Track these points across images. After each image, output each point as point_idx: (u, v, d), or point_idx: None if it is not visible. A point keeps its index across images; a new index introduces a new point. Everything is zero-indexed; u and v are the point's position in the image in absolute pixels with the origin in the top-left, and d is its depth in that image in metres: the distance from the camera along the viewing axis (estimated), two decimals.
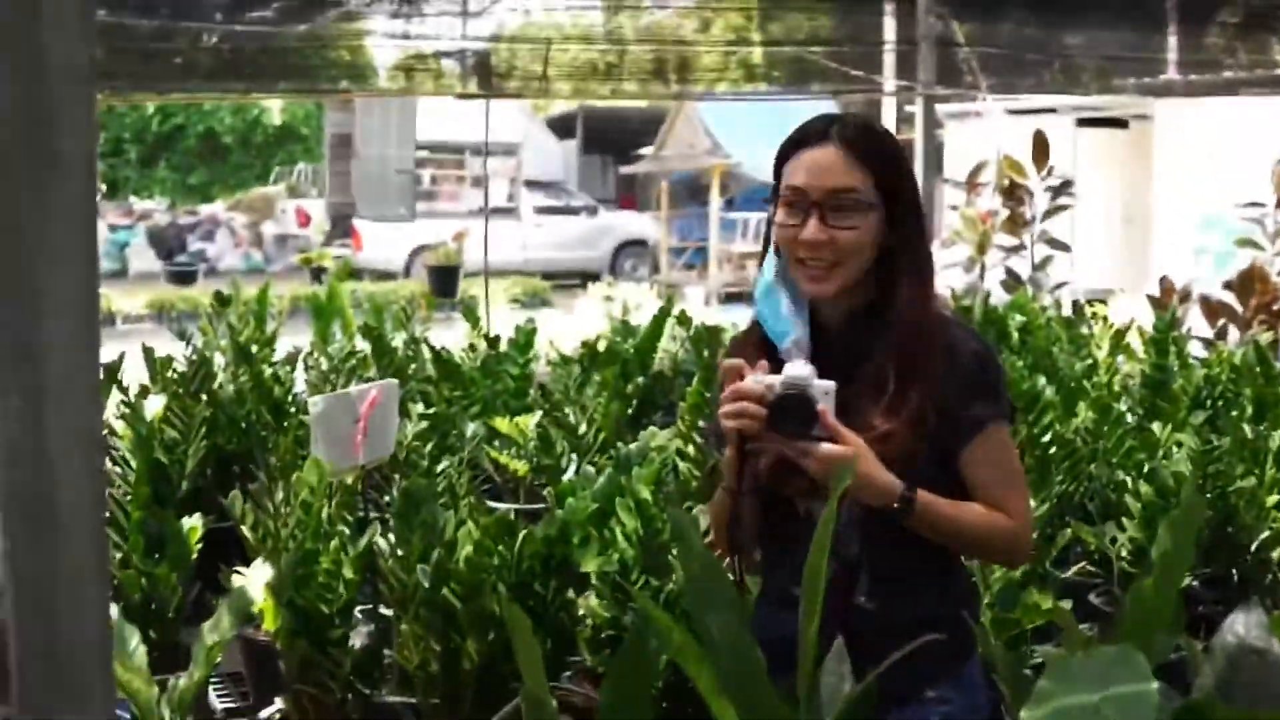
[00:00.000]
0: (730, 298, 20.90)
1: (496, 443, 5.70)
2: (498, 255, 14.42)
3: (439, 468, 4.59)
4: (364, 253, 24.64)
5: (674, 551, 3.67)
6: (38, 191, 1.72)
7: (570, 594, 3.88)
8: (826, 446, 2.45)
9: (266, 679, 4.68)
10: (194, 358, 6.40)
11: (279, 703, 4.04)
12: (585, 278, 22.02)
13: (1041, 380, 5.37)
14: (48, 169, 1.70)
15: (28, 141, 1.69)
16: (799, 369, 2.49)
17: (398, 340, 7.12)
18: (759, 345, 2.67)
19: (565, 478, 4.68)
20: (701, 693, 2.17)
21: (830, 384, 2.48)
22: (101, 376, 6.00)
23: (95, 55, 1.68)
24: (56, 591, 1.78)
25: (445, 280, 15.03)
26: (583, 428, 5.55)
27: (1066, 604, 3.76)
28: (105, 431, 5.64)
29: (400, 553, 3.70)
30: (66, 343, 1.76)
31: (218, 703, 4.98)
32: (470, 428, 5.55)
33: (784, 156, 2.64)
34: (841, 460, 2.41)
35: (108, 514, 4.56)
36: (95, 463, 1.77)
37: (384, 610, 4.09)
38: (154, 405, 5.48)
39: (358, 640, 3.95)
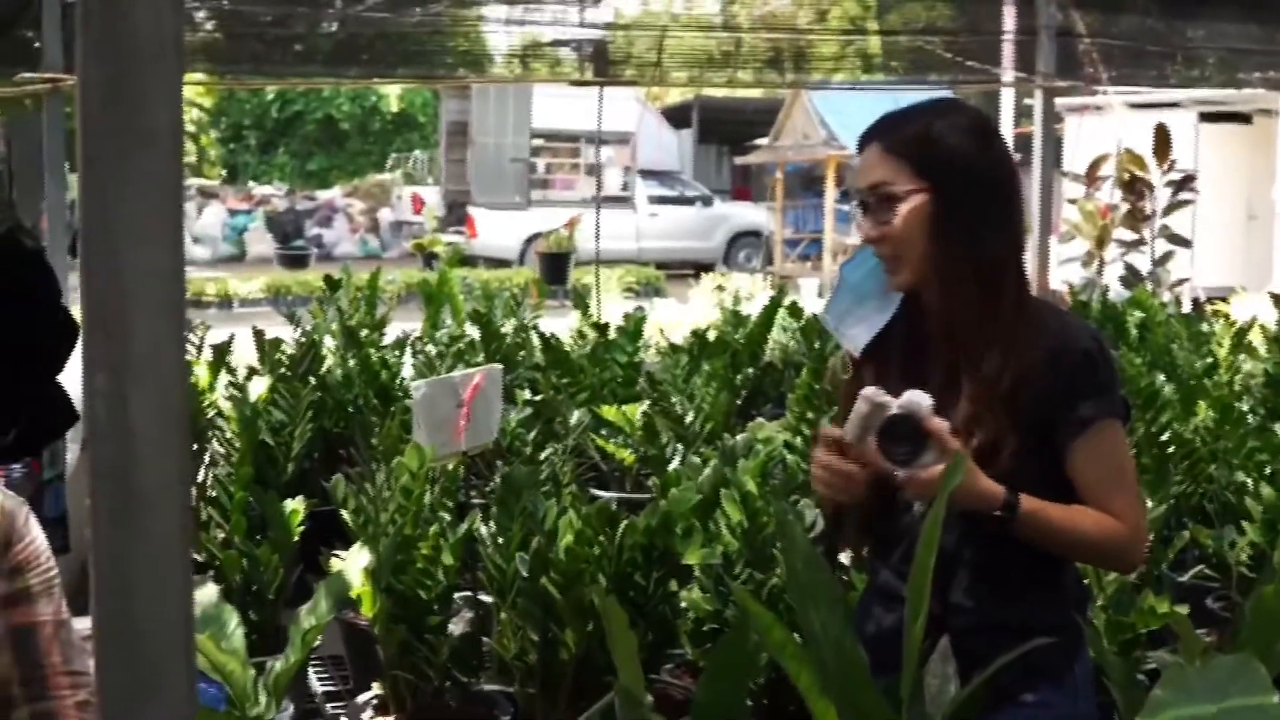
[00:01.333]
0: None
1: (603, 431, 5.65)
2: (611, 244, 14.41)
3: (543, 455, 4.55)
4: (478, 240, 24.74)
5: (778, 545, 3.61)
6: (124, 166, 1.67)
7: (672, 585, 3.82)
8: (930, 471, 2.39)
9: (366, 663, 4.67)
10: (303, 341, 6.42)
11: (377, 687, 4.02)
12: (699, 268, 21.95)
13: (1160, 378, 5.23)
14: (134, 144, 1.65)
15: (114, 116, 1.65)
16: (916, 397, 2.42)
17: (507, 327, 7.09)
18: (872, 357, 2.64)
19: (670, 468, 4.61)
20: (802, 691, 2.11)
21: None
22: (211, 357, 6.05)
23: (183, 28, 1.64)
24: (138, 571, 1.74)
25: (557, 268, 15.00)
26: (690, 417, 5.49)
27: (1183, 609, 3.64)
28: (214, 413, 5.67)
29: (500, 541, 3.65)
30: (152, 319, 1.71)
31: (318, 685, 4.99)
32: (576, 415, 5.50)
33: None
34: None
35: (212, 494, 4.58)
36: (181, 440, 1.72)
37: (483, 598, 4.06)
38: (259, 387, 5.49)
39: (456, 627, 3.92)
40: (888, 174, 2.53)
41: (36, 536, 2.08)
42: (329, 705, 4.84)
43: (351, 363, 6.22)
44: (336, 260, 21.89)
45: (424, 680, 3.80)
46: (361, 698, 4.04)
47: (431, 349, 6.51)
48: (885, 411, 2.39)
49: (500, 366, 4.52)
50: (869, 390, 2.44)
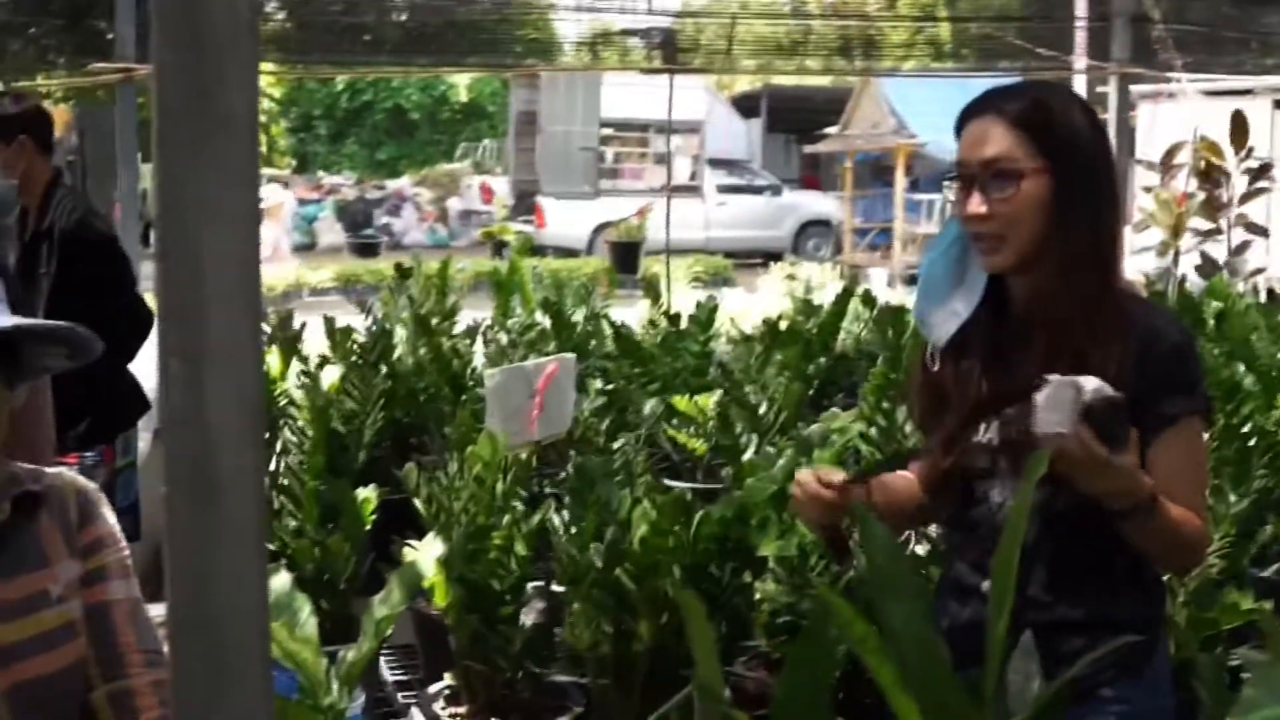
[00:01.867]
0: (914, 280, 20.58)
1: (675, 421, 5.61)
2: (680, 233, 14.37)
3: (615, 445, 4.51)
4: (547, 229, 24.77)
5: (854, 537, 3.56)
6: (201, 151, 1.65)
7: (746, 577, 3.77)
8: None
9: (438, 653, 4.66)
10: (374, 330, 6.43)
11: (449, 678, 4.00)
12: (768, 257, 21.88)
13: (1240, 368, 5.13)
14: (210, 128, 1.63)
15: (191, 100, 1.63)
16: (1095, 381, 2.34)
17: (578, 316, 7.07)
18: (955, 347, 2.60)
19: (744, 458, 4.57)
20: (882, 686, 2.07)
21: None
22: (283, 346, 6.04)
23: (259, 12, 1.61)
24: (214, 559, 1.72)
25: (627, 256, 15.01)
26: (763, 408, 5.43)
27: (1267, 604, 3.57)
28: (286, 402, 5.67)
29: (574, 531, 3.62)
30: (228, 305, 1.69)
31: (389, 675, 4.98)
32: (648, 405, 5.46)
33: (956, 132, 2.58)
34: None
35: (284, 483, 4.57)
36: (256, 427, 1.70)
37: (556, 588, 4.03)
38: (331, 376, 5.49)
39: (528, 618, 3.90)
40: (1006, 149, 2.46)
41: (109, 517, 2.09)
42: (400, 695, 4.83)
43: (422, 351, 6.20)
44: (405, 249, 21.97)
45: (496, 671, 3.77)
46: (433, 688, 4.03)
47: (503, 337, 6.49)
48: (1082, 396, 2.31)
49: (573, 355, 4.50)
50: (1058, 377, 2.36)
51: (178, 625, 1.76)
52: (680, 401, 5.56)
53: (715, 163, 27.48)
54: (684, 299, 9.26)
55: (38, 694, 1.93)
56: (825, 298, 7.94)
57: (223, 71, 1.64)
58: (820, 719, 2.04)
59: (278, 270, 18.67)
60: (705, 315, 6.53)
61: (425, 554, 3.51)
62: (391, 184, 30.29)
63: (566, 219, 24.89)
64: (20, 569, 1.96)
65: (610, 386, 5.30)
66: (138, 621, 2.08)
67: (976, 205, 2.48)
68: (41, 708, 1.93)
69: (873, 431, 4.70)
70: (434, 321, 6.56)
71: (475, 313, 7.59)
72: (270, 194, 23.87)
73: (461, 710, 3.87)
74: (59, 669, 1.96)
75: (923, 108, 23.26)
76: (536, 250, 21.58)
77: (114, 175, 7.18)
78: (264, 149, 33.04)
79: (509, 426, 3.83)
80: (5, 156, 5.29)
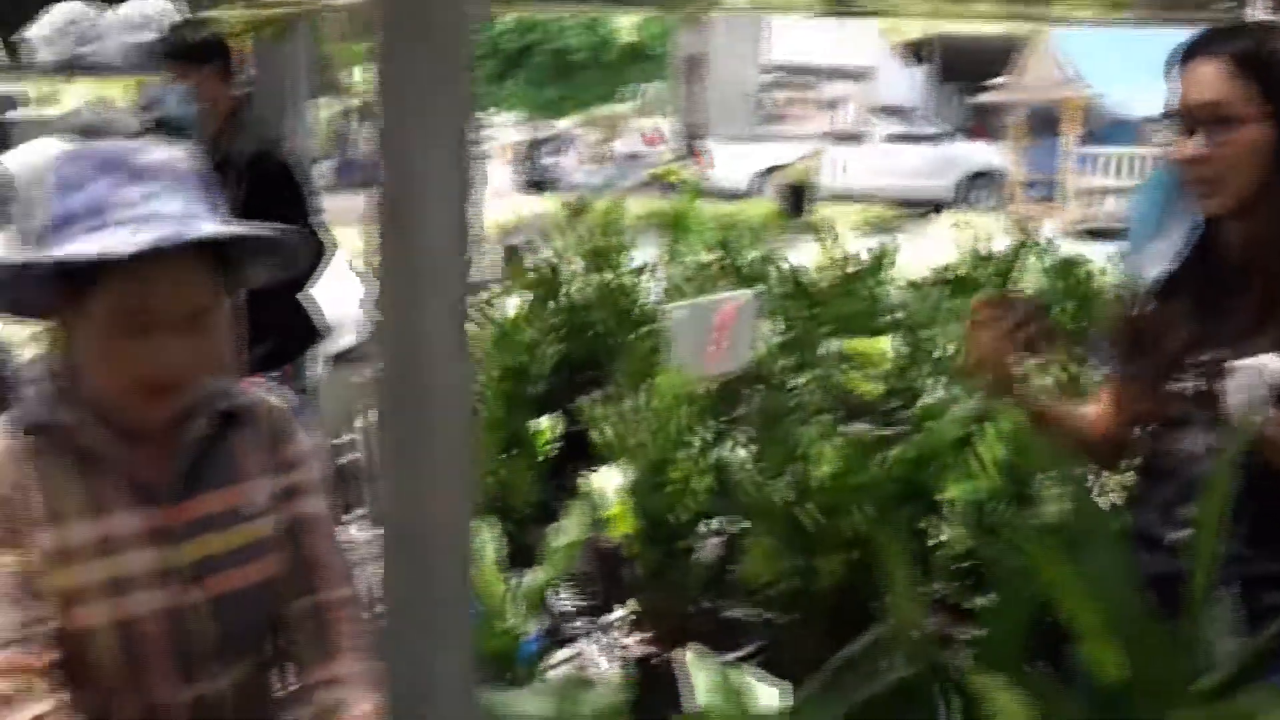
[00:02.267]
0: (1083, 233, 20.19)
1: (847, 364, 5.54)
2: (845, 180, 14.26)
3: (793, 384, 4.47)
4: (710, 172, 24.71)
5: (1038, 482, 3.50)
6: (415, 66, 1.65)
7: (926, 521, 3.73)
8: None
9: (613, 584, 4.68)
10: (546, 265, 6.44)
11: (626, 608, 4.01)
12: (933, 206, 21.60)
13: None
14: (425, 43, 1.63)
15: (404, 15, 1.62)
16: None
17: (749, 257, 7.01)
18: (1162, 294, 2.53)
19: (922, 402, 4.50)
20: (1080, 633, 2.02)
21: None
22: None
23: None
24: (424, 475, 1.72)
25: (796, 200, 14.86)
26: (938, 352, 5.35)
27: None
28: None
29: (758, 465, 3.60)
30: (442, 219, 1.69)
31: (564, 604, 5.01)
32: (826, 346, 5.40)
33: (1171, 73, 2.50)
34: None
35: None
36: (466, 344, 1.70)
37: (732, 525, 4.01)
38: (510, 306, 5.52)
39: (706, 552, 3.89)
40: (1227, 92, 2.37)
41: (303, 435, 2.11)
42: (574, 623, 4.86)
43: (594, 287, 6.21)
44: (570, 191, 22.02)
45: (675, 603, 3.77)
46: (609, 617, 4.04)
47: (674, 276, 6.46)
48: (1270, 377, 2.24)
49: (754, 293, 4.45)
50: (1246, 360, 2.29)
51: (387, 538, 1.77)
52: (856, 344, 5.49)
53: (883, 110, 27.17)
54: (851, 246, 9.15)
55: (237, 606, 1.96)
56: (994, 248, 7.77)
57: None
58: (1018, 663, 2.00)
59: (504, 205, 18.69)
60: (878, 259, 6.45)
61: (607, 484, 3.52)
62: (556, 125, 30.38)
63: (730, 162, 24.79)
64: (221, 484, 1.98)
65: (787, 326, 5.23)
66: (330, 538, 2.10)
67: (1195, 148, 2.40)
68: (240, 619, 1.97)
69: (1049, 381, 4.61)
70: (605, 259, 6.55)
71: (641, 254, 7.56)
72: (501, 134, 23.94)
73: (638, 638, 3.87)
74: (256, 582, 1.99)
75: (1097, 59, 22.78)
76: (699, 193, 21.54)
77: (287, 110, 7.26)
78: None
79: (690, 361, 3.81)
80: (195, 81, 5.38)
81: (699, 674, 2.96)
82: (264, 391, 2.14)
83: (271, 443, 2.06)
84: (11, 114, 9.14)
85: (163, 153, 1.89)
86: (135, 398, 1.87)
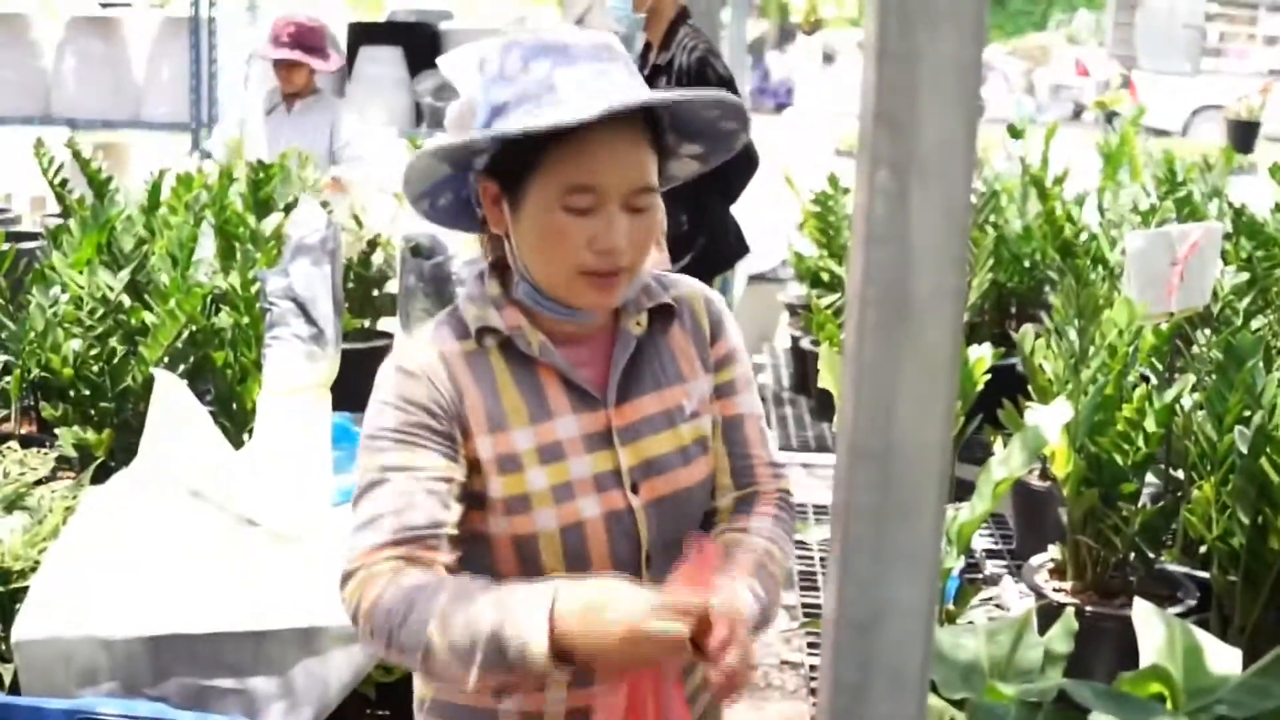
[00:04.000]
0: None
1: None
2: None
3: (1255, 326, 4.17)
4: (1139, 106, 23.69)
5: None
6: None
7: None
8: None
9: (1035, 526, 4.50)
10: (982, 191, 6.24)
11: (1053, 550, 3.83)
12: None
13: None
14: None
15: None
16: None
17: (1195, 193, 6.62)
18: None
19: None
20: None
21: None
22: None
23: None
24: (903, 384, 1.62)
25: (1245, 136, 13.99)
26: None
27: None
28: None
29: (1215, 411, 3.35)
30: (944, 112, 1.57)
31: (982, 543, 4.87)
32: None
33: None
34: None
35: None
36: (961, 245, 1.58)
37: (1176, 472, 3.78)
38: None
39: (1146, 499, 3.68)
40: None
41: (736, 329, 2.05)
42: (991, 563, 4.71)
43: (1032, 215, 5.98)
44: (989, 123, 21.49)
45: (1109, 549, 3.57)
46: (1035, 559, 3.87)
47: (1125, 203, 6.15)
48: None
49: (1221, 225, 4.15)
50: None
51: (854, 452, 1.66)
52: None
53: None
54: None
55: (674, 509, 1.91)
56: None
57: None
58: None
59: None
60: None
61: (1050, 419, 3.34)
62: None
63: (1161, 97, 23.66)
64: (658, 385, 1.93)
65: (1240, 267, 4.89)
66: (764, 434, 2.04)
67: None
68: (675, 524, 1.90)
69: None
70: (1041, 188, 6.30)
71: (1079, 184, 7.26)
72: None
73: (1065, 585, 3.69)
74: (695, 482, 1.93)
75: None
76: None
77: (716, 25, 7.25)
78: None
79: (1147, 294, 3.57)
80: None
81: (1148, 629, 2.79)
82: (700, 282, 2.06)
83: (707, 337, 2.00)
84: (445, 25, 9.43)
85: (596, 36, 1.86)
86: (582, 284, 1.83)
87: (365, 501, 1.81)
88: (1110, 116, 12.70)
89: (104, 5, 11.21)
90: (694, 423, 1.95)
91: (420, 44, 8.77)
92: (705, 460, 1.96)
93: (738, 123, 1.90)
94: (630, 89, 1.80)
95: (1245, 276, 4.52)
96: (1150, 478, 3.77)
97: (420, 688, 2.01)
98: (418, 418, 1.82)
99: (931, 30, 1.53)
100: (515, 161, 1.80)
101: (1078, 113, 25.28)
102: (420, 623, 1.69)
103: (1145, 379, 3.74)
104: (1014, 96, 27.43)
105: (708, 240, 5.37)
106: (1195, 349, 4.01)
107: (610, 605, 1.63)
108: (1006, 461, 3.28)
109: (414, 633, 1.70)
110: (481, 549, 1.86)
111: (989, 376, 4.26)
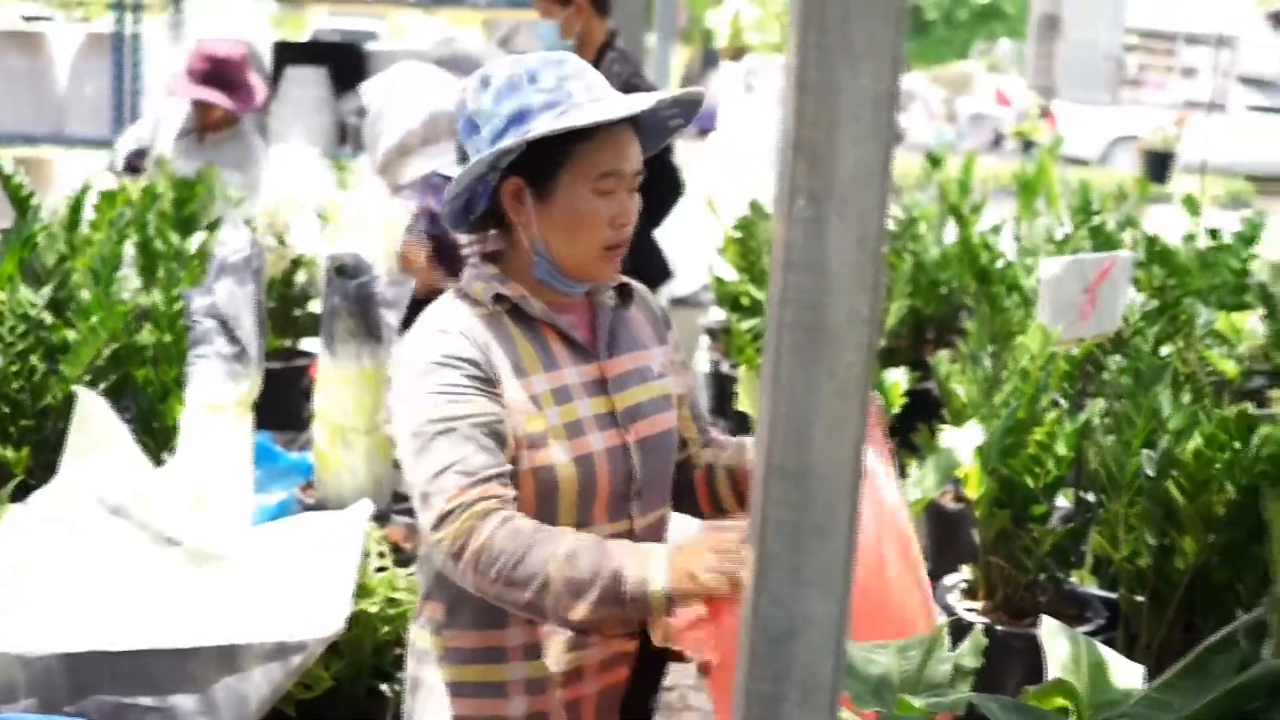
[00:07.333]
0: None
1: (1206, 340, 5.28)
2: (1203, 152, 13.64)
3: (1163, 351, 4.27)
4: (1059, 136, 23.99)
5: None
6: None
7: None
8: None
9: (948, 546, 4.57)
10: (900, 219, 6.33)
11: (965, 570, 3.91)
12: None
13: None
14: None
15: None
16: None
17: (1109, 222, 6.74)
18: None
19: None
20: None
21: None
22: None
23: None
24: (817, 407, 1.67)
25: (1160, 167, 14.24)
26: None
27: None
28: None
29: (1123, 435, 3.43)
30: (860, 144, 1.62)
31: None
32: (1203, 316, 5.13)
33: None
34: None
35: None
36: (875, 274, 1.63)
37: (1086, 495, 3.86)
38: None
39: (1056, 521, 3.75)
40: None
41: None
42: None
43: (948, 242, 6.08)
44: (909, 149, 21.69)
45: (1019, 570, 3.65)
46: (948, 579, 3.94)
47: (1033, 235, 6.26)
48: None
49: (1132, 254, 4.26)
50: None
51: (769, 470, 1.72)
52: (1221, 319, 5.22)
53: (1246, 80, 25.91)
54: (1211, 219, 8.71)
55: (656, 448, 2.36)
56: None
57: None
58: None
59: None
60: (1249, 231, 6.11)
61: (963, 442, 3.41)
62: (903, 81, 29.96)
63: (1080, 127, 24.00)
64: (631, 347, 2.38)
65: (1158, 290, 4.99)
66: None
67: None
68: (657, 461, 2.37)
69: None
70: (958, 216, 6.40)
71: (995, 212, 7.37)
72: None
73: (977, 605, 3.76)
74: (665, 430, 2.38)
75: None
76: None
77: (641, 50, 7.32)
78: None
79: (1060, 321, 3.66)
80: (564, 17, 5.42)
81: (1055, 646, 2.85)
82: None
83: (660, 320, 2.49)
84: (371, 45, 9.48)
85: (577, 60, 2.28)
86: (597, 258, 2.26)
87: (435, 450, 2.14)
88: (1028, 145, 12.93)
89: (26, 19, 11.14)
90: (661, 381, 2.40)
91: (345, 65, 8.81)
92: (672, 414, 2.42)
93: (685, 118, 2.34)
94: (619, 94, 2.26)
95: (1155, 303, 4.63)
96: (1061, 500, 3.88)
97: (414, 668, 2.38)
98: (466, 370, 2.19)
99: (851, 65, 1.58)
100: (544, 158, 2.21)
101: (997, 141, 25.58)
102: (540, 560, 2.04)
103: (1056, 403, 3.82)
104: (934, 124, 27.69)
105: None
106: (1105, 374, 4.10)
107: (704, 546, 2.04)
108: (920, 483, 3.36)
109: (531, 568, 2.04)
110: None
111: (905, 400, 4.34)
